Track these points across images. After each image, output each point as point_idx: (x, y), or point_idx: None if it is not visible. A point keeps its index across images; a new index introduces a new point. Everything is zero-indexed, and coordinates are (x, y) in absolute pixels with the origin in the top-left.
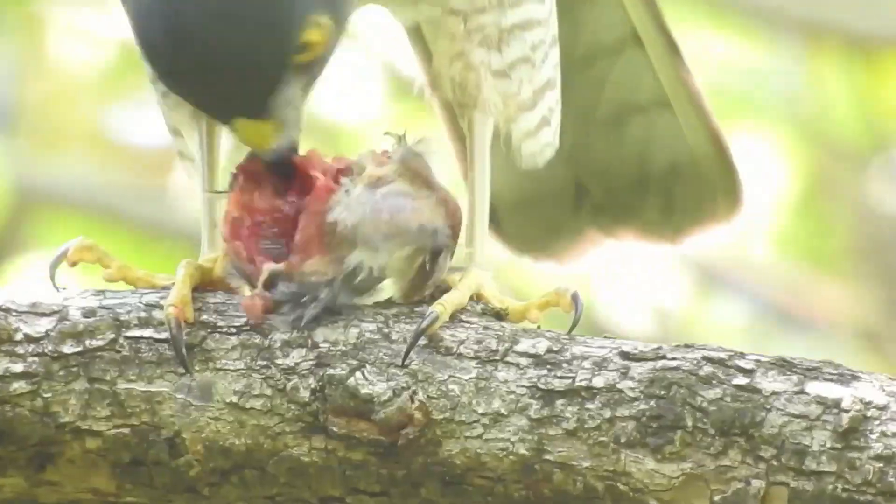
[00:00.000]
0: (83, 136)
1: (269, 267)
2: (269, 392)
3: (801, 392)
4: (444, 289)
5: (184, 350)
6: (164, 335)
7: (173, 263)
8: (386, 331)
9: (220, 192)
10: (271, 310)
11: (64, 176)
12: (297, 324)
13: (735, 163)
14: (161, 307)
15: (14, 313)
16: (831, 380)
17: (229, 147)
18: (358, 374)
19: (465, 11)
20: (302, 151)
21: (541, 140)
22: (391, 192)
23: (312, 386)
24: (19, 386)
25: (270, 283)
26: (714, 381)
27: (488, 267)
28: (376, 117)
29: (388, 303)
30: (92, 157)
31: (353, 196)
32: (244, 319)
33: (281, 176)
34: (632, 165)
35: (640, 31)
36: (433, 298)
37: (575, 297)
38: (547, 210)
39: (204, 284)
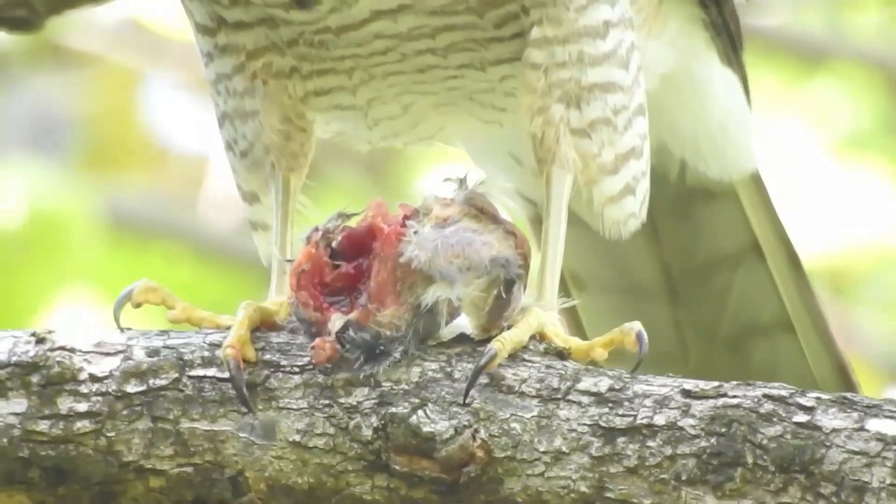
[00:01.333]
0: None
1: (342, 316)
2: (331, 431)
3: (862, 429)
4: (508, 327)
5: (244, 390)
6: (227, 374)
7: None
8: (448, 369)
9: (290, 261)
10: (337, 359)
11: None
12: (365, 376)
13: (860, 391)
14: None
15: (78, 353)
16: (892, 417)
17: (301, 209)
18: (420, 412)
19: (546, 65)
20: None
21: (625, 209)
22: (459, 228)
23: (375, 424)
24: (83, 425)
25: (341, 332)
26: (775, 419)
27: (553, 308)
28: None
29: (451, 342)
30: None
31: (423, 234)
32: (307, 359)
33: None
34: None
35: (760, 239)
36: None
37: (639, 336)
38: None
39: (266, 327)
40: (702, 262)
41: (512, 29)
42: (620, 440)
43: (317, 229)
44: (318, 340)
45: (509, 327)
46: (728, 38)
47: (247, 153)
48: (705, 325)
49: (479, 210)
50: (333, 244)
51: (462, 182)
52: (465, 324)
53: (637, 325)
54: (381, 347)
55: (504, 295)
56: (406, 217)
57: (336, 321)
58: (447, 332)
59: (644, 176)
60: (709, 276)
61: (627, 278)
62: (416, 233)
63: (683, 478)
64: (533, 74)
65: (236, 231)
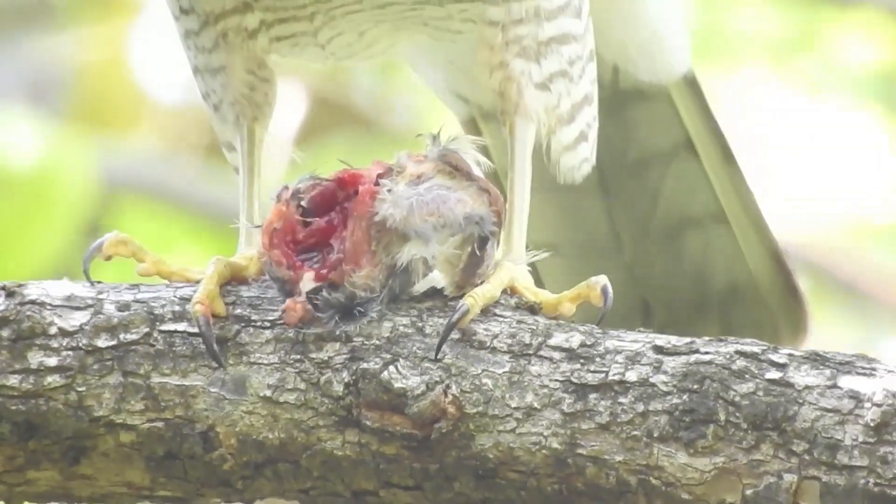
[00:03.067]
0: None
1: (312, 275)
2: (302, 386)
3: (834, 386)
4: (480, 283)
5: (214, 345)
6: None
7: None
8: (419, 325)
9: (258, 226)
10: (309, 320)
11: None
12: (339, 334)
13: (798, 286)
14: None
15: (48, 307)
16: (864, 374)
17: (272, 161)
18: (391, 368)
19: (503, 22)
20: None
21: (579, 155)
22: (433, 185)
23: (346, 380)
24: (53, 380)
25: (313, 292)
26: (747, 376)
27: (522, 261)
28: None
29: (422, 297)
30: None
31: (397, 193)
32: (278, 313)
33: None
34: (691, 284)
35: (693, 136)
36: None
37: (605, 290)
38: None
39: (237, 281)
40: (634, 159)
41: None
42: (592, 396)
43: (286, 188)
44: (289, 301)
45: (481, 283)
46: None
47: (218, 106)
48: (638, 218)
49: (453, 167)
50: (304, 202)
51: (435, 138)
52: (436, 278)
53: (603, 280)
54: (357, 308)
55: (478, 252)
56: (380, 175)
57: (307, 281)
58: (419, 288)
59: (595, 120)
60: (641, 173)
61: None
62: (389, 191)
63: (655, 434)
64: (490, 31)
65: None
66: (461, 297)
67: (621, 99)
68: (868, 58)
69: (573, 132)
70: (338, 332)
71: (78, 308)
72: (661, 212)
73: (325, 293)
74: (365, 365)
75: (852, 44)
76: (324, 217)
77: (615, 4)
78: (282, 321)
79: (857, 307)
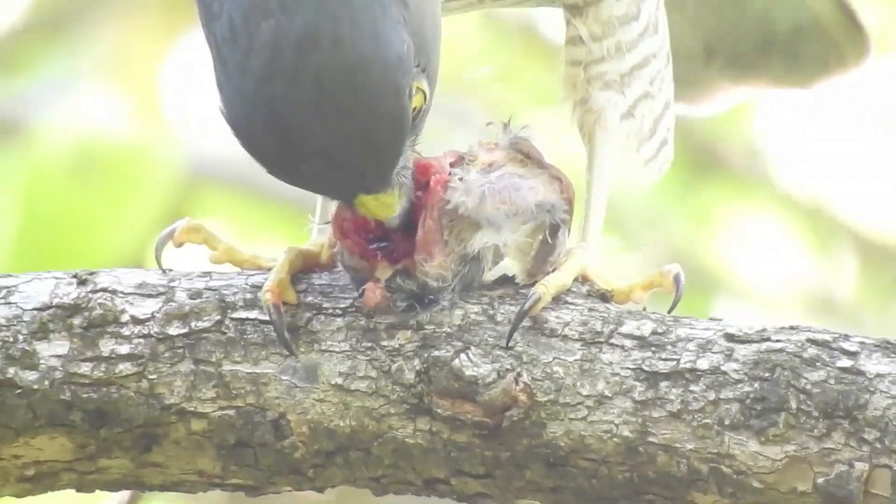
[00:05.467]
0: None
1: (392, 266)
2: (374, 374)
3: None
4: (552, 271)
5: (285, 333)
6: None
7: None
8: (491, 312)
9: (328, 223)
10: (385, 306)
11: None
12: (411, 322)
13: (859, 16)
14: None
15: (120, 295)
16: None
17: None
18: (462, 356)
19: (585, 61)
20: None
21: (660, 160)
22: (505, 173)
23: (417, 368)
24: (125, 367)
25: (389, 279)
26: (818, 364)
27: (597, 250)
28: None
29: (494, 284)
30: None
31: (469, 181)
32: (350, 301)
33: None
34: (755, 32)
35: None
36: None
37: (677, 278)
38: (679, 66)
39: (309, 269)
40: None
41: None
42: (663, 384)
43: None
44: (368, 284)
45: (553, 271)
46: None
47: None
48: None
49: (525, 155)
50: None
51: (506, 127)
52: (508, 266)
53: (676, 268)
54: (430, 296)
55: (550, 240)
56: (451, 164)
57: (383, 269)
58: (490, 276)
59: (673, 119)
60: None
61: None
62: (461, 179)
63: (727, 423)
64: (572, 70)
65: None
66: (532, 284)
67: None
68: None
69: (654, 144)
70: (410, 321)
71: (149, 296)
72: None
73: (399, 281)
74: (436, 353)
75: None
76: None
77: None
78: (353, 308)
79: None
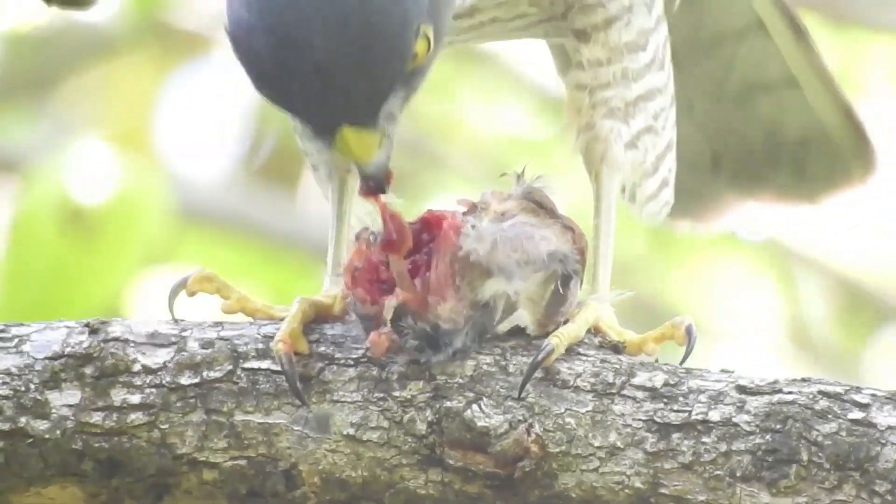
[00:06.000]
0: None
1: (394, 300)
2: (385, 424)
3: None
4: (564, 322)
5: (298, 383)
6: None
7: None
8: (503, 363)
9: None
10: (396, 350)
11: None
12: (422, 367)
13: (867, 130)
14: None
15: (132, 344)
16: None
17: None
18: (475, 406)
19: (591, 86)
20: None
21: (661, 200)
22: (517, 222)
23: (429, 418)
24: (136, 417)
25: (396, 318)
26: (830, 416)
27: (607, 301)
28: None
29: (506, 335)
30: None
31: (481, 229)
32: (362, 351)
33: (375, 191)
34: (763, 139)
35: (763, 18)
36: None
37: (689, 330)
38: (685, 176)
39: (321, 319)
40: (707, 38)
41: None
42: (675, 436)
43: (367, 228)
44: (372, 335)
45: (566, 322)
46: None
47: (317, 167)
48: (710, 89)
49: (538, 204)
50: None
51: (520, 177)
52: (521, 317)
53: (688, 320)
54: (443, 339)
55: (561, 290)
56: (464, 212)
57: (389, 307)
58: (503, 327)
59: (674, 163)
60: (714, 50)
61: None
62: (473, 227)
63: (738, 474)
64: (578, 94)
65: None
66: (544, 335)
67: None
68: None
69: (656, 181)
70: (423, 361)
71: (161, 345)
72: (732, 81)
73: (410, 320)
74: (448, 403)
75: None
76: (408, 258)
77: None
78: (365, 359)
79: None
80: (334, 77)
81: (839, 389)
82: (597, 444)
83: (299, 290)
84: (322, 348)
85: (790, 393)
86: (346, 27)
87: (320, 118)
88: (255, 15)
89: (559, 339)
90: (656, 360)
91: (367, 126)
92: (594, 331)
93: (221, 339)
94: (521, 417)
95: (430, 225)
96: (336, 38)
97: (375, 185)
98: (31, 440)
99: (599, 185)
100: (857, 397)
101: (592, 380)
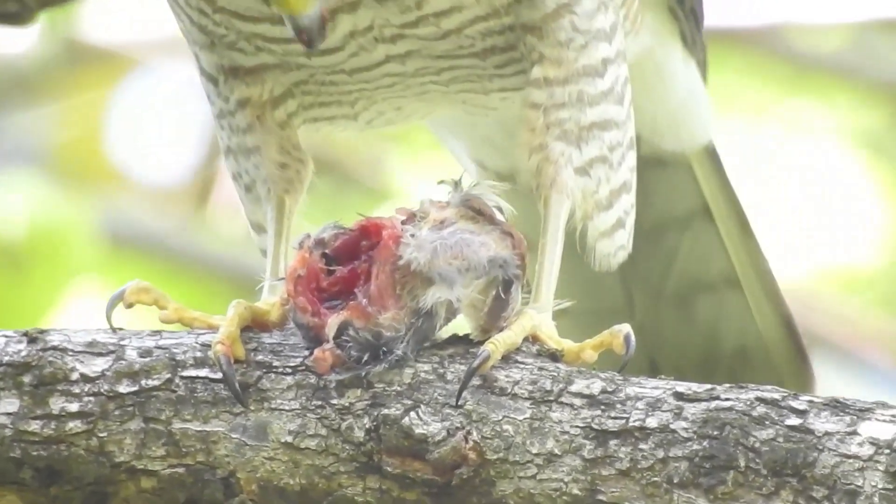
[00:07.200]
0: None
1: (339, 318)
2: (323, 432)
3: (854, 433)
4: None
5: (237, 385)
6: (220, 375)
7: (208, 299)
8: (441, 371)
9: (282, 279)
10: (340, 364)
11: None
12: (365, 374)
13: (805, 349)
14: None
15: (70, 353)
16: (884, 420)
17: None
18: (412, 413)
19: (545, 105)
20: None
21: (616, 242)
22: (457, 230)
23: (367, 426)
24: (75, 425)
25: (339, 334)
26: (767, 422)
27: (548, 311)
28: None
29: (444, 343)
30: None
31: (421, 237)
32: (300, 359)
33: (309, 44)
34: (700, 345)
35: (710, 203)
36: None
37: (627, 338)
38: None
39: (257, 326)
40: (651, 224)
41: (514, 69)
42: (613, 442)
43: (308, 236)
44: (317, 351)
45: (504, 329)
46: (693, 19)
47: (251, 188)
48: (653, 281)
49: (476, 211)
50: (327, 251)
51: (457, 184)
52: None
53: (626, 328)
54: (384, 347)
55: (503, 295)
56: (403, 221)
57: (332, 325)
58: (442, 334)
59: (632, 208)
60: (657, 237)
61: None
62: (413, 235)
63: (676, 481)
64: (532, 113)
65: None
66: (483, 342)
67: (641, 165)
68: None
69: (610, 219)
70: (363, 374)
71: (100, 354)
72: (675, 275)
73: (351, 332)
74: (386, 411)
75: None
76: (347, 265)
77: (649, 82)
78: (303, 367)
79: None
80: None
81: (776, 396)
82: (534, 450)
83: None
84: (260, 356)
85: (727, 399)
86: None
87: None
88: None
89: (495, 345)
90: (594, 368)
91: None
92: (532, 339)
93: (160, 347)
94: (458, 424)
95: (369, 232)
96: None
97: (309, 37)
98: None
99: (548, 210)
100: (795, 404)
101: (530, 387)
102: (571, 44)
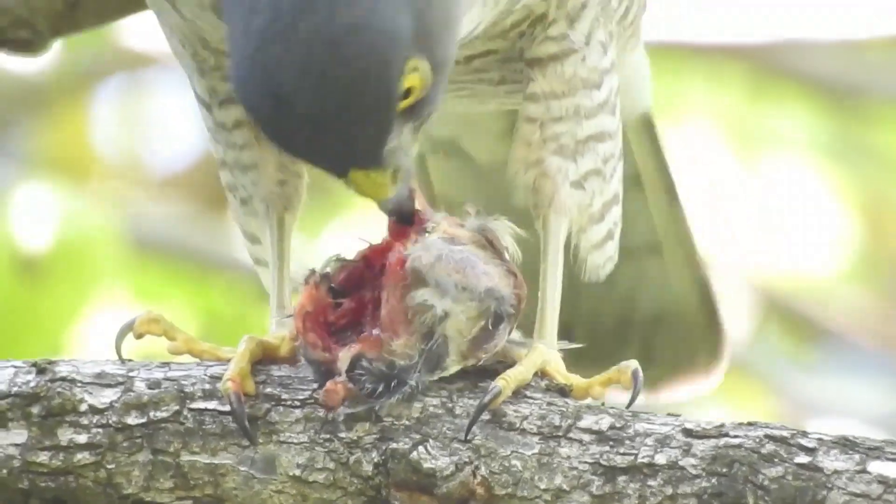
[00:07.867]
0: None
1: (351, 351)
2: (332, 465)
3: (863, 471)
4: (509, 364)
5: (246, 422)
6: (229, 407)
7: (232, 297)
8: (449, 405)
9: (290, 316)
10: (352, 397)
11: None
12: (378, 408)
13: (722, 316)
14: None
15: (79, 384)
16: (893, 459)
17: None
18: (421, 448)
19: (542, 119)
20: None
21: (605, 253)
22: (465, 249)
23: (375, 460)
24: (83, 457)
25: (352, 367)
26: (776, 460)
27: (554, 346)
28: None
29: (452, 377)
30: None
31: (429, 241)
32: (308, 392)
33: (404, 224)
34: (616, 311)
35: (641, 172)
36: (497, 374)
37: (635, 374)
38: None
39: (268, 361)
40: None
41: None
42: (621, 479)
43: (313, 271)
44: (328, 384)
45: (496, 371)
46: None
47: (247, 201)
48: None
49: (488, 242)
50: (333, 284)
51: (479, 212)
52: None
53: (633, 364)
54: (397, 377)
55: (490, 328)
56: (413, 227)
57: (344, 359)
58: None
59: (620, 219)
60: None
61: (501, 204)
62: (417, 241)
63: None
64: (528, 127)
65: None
66: (489, 376)
67: None
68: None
69: (602, 231)
70: (375, 408)
71: (108, 385)
72: None
73: (364, 363)
74: (394, 445)
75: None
76: (353, 297)
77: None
78: (312, 400)
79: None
80: (325, 128)
81: (786, 433)
82: (543, 486)
83: (228, 312)
84: (269, 389)
85: (736, 437)
86: (329, 78)
87: (328, 165)
88: (248, 69)
89: (506, 381)
90: (602, 404)
91: (373, 167)
92: (541, 374)
93: (168, 379)
94: (467, 459)
95: (372, 261)
96: (322, 90)
97: (400, 219)
98: None
99: (547, 232)
100: (804, 441)
101: (539, 422)
102: (569, 58)
